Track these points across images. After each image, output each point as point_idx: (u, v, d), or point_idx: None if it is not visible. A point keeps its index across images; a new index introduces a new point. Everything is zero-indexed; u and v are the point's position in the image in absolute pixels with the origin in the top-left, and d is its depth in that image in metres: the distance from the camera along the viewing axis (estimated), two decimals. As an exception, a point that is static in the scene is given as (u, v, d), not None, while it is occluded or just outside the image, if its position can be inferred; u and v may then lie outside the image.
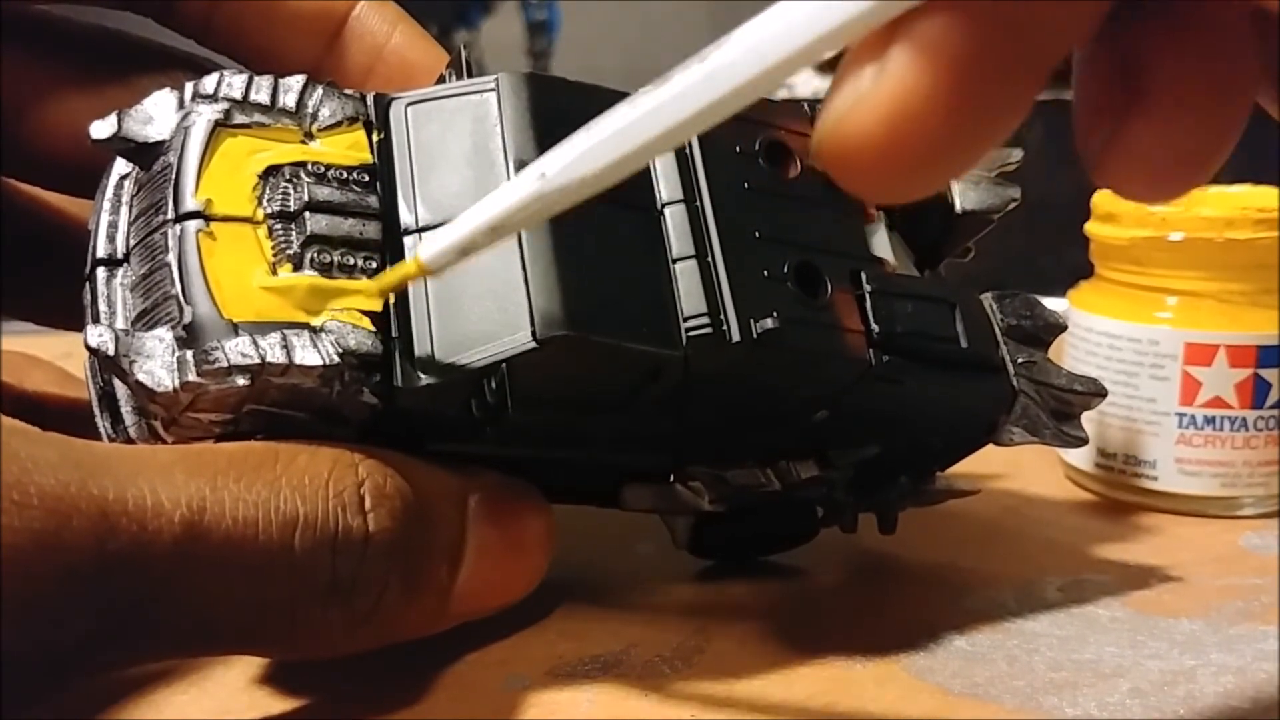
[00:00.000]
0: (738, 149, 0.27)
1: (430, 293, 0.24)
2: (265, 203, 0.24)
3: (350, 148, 0.26)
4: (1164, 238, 0.35)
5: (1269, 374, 0.35)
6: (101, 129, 0.25)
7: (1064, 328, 0.31)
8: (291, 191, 0.25)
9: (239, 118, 0.25)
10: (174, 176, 0.24)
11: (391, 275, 0.24)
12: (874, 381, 0.27)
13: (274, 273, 0.24)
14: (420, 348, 0.24)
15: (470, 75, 0.28)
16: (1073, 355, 0.38)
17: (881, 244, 0.29)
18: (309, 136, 0.26)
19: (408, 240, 0.25)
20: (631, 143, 0.18)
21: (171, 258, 0.24)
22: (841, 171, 0.16)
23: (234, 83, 0.25)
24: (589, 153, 0.18)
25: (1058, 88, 0.18)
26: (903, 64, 0.15)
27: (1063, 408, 0.31)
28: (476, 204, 0.21)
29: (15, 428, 0.20)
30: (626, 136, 0.18)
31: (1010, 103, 0.16)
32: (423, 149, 0.26)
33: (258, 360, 0.22)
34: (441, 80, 0.28)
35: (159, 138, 0.25)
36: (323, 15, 0.30)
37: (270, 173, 0.25)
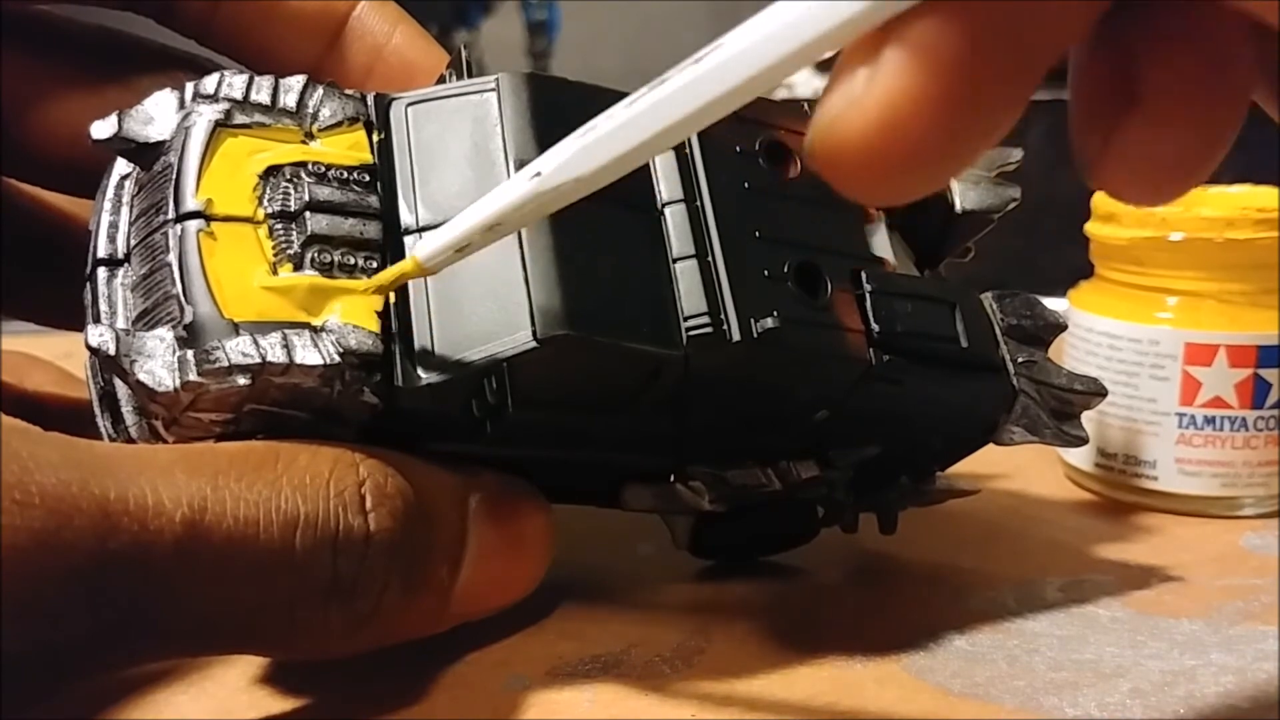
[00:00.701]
0: (738, 149, 0.27)
1: (431, 292, 0.25)
2: (266, 203, 0.24)
3: (351, 148, 0.26)
4: (1164, 238, 0.35)
5: (1269, 374, 0.35)
6: (102, 129, 0.25)
7: (1064, 327, 0.31)
8: (292, 191, 0.25)
9: (239, 118, 0.25)
10: (174, 176, 0.24)
11: (389, 273, 0.24)
12: (874, 381, 0.27)
13: (275, 272, 0.24)
14: (421, 347, 0.24)
15: (470, 75, 0.28)
16: (1073, 355, 0.38)
17: (881, 244, 0.29)
18: (309, 136, 0.26)
19: (408, 240, 0.25)
20: (626, 142, 0.18)
21: (172, 258, 0.24)
22: (835, 174, 0.16)
23: (235, 83, 0.25)
24: (583, 152, 0.19)
25: (1057, 87, 0.18)
26: (895, 66, 0.15)
27: (1063, 407, 0.31)
28: (473, 204, 0.21)
29: (16, 427, 0.20)
30: (621, 136, 0.18)
31: (1003, 104, 0.16)
32: (423, 149, 0.26)
33: (258, 360, 0.22)
34: (442, 80, 0.28)
35: (159, 138, 0.25)
36: (323, 15, 0.30)
37: (271, 173, 0.25)
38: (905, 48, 0.15)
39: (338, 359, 0.23)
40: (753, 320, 0.25)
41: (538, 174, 0.20)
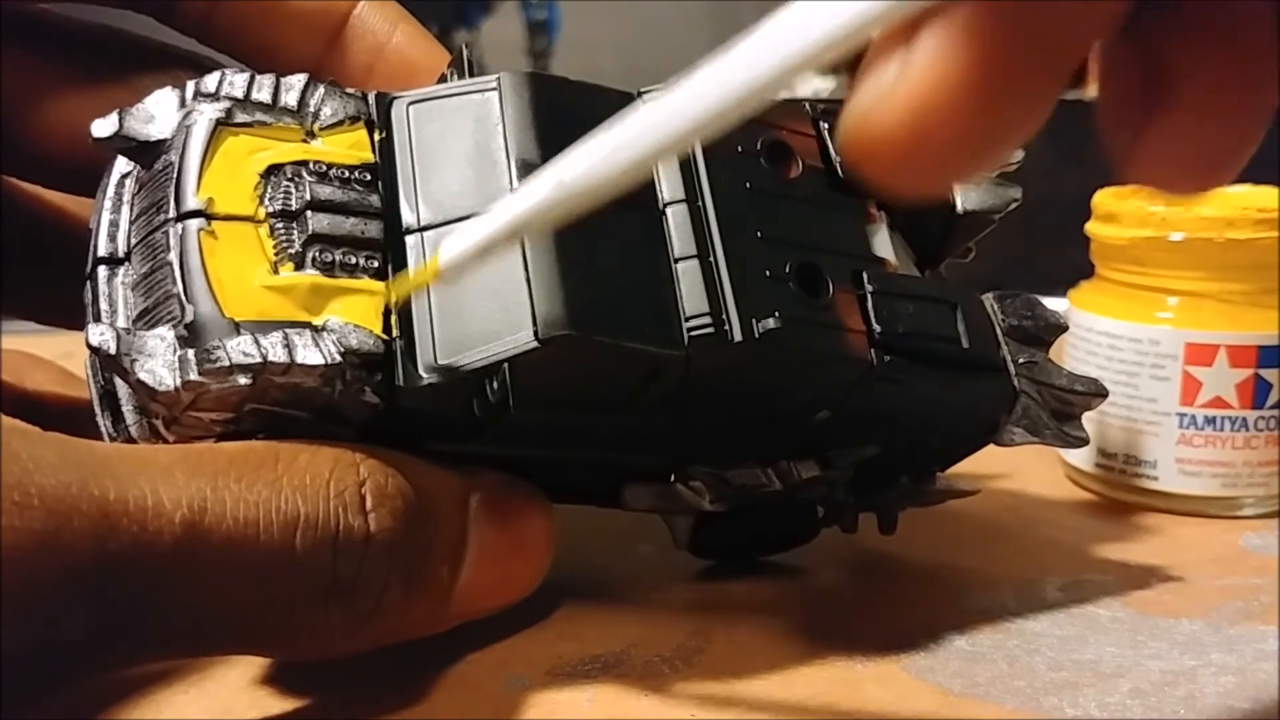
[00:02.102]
0: (739, 149, 0.27)
1: (432, 292, 0.24)
2: (267, 201, 0.24)
3: (352, 147, 0.26)
4: (1164, 238, 0.35)
5: (1269, 374, 0.35)
6: (103, 128, 0.25)
7: (1065, 328, 0.31)
8: (293, 190, 0.25)
9: (241, 116, 0.25)
10: (175, 175, 0.24)
11: (410, 280, 0.24)
12: (875, 381, 0.27)
13: (276, 272, 0.24)
14: (422, 347, 0.24)
15: (472, 74, 0.28)
16: (1073, 355, 0.38)
17: (883, 244, 0.29)
18: (311, 135, 0.26)
19: (409, 239, 0.25)
20: (648, 145, 0.18)
21: (173, 256, 0.24)
22: (869, 165, 0.16)
23: (236, 81, 0.25)
24: (607, 156, 0.19)
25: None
26: (930, 54, 0.15)
27: (1064, 408, 0.31)
28: (494, 208, 0.21)
29: (16, 427, 0.20)
30: (643, 138, 0.18)
31: (1037, 95, 0.16)
32: (424, 148, 0.26)
33: (259, 359, 0.22)
34: (443, 79, 0.28)
35: (160, 136, 0.25)
36: (324, 14, 0.30)
37: (272, 171, 0.25)
38: (940, 35, 0.15)
39: (339, 358, 0.23)
40: (754, 320, 0.25)
41: (560, 179, 0.19)
